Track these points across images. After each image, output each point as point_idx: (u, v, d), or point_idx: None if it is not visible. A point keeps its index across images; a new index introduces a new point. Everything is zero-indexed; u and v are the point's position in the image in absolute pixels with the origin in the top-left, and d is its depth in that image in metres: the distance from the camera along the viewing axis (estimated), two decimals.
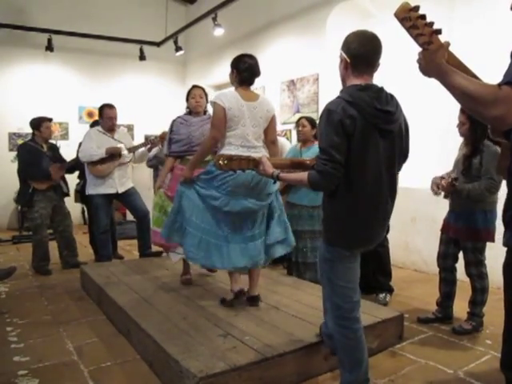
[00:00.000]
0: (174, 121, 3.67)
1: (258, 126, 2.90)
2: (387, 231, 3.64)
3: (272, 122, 3.00)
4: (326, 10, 5.62)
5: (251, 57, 2.95)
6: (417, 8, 1.33)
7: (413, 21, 1.33)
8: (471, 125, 2.88)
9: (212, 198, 2.85)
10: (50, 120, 4.78)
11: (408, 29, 1.35)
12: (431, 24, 1.33)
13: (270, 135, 3.02)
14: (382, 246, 3.59)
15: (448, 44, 1.37)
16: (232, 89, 2.94)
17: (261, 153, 2.83)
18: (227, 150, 2.78)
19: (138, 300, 3.16)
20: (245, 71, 2.88)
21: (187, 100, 3.67)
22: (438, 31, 1.34)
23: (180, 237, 2.97)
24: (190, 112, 3.66)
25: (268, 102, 3.03)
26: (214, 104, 2.82)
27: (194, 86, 3.72)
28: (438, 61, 1.33)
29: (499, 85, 1.19)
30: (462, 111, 2.92)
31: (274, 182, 2.19)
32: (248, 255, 2.86)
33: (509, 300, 1.28)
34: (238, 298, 2.99)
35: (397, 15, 1.36)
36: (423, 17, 1.33)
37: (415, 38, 1.36)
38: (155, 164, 5.22)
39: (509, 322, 1.28)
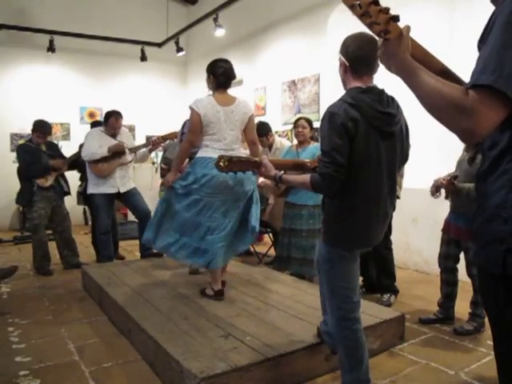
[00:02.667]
0: (185, 123, 3.91)
1: (236, 128, 3.08)
2: (390, 232, 3.64)
3: (250, 123, 3.16)
4: (327, 11, 5.63)
5: (226, 61, 3.13)
6: None
7: (363, 8, 1.12)
8: None
9: (193, 201, 3.04)
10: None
11: (360, 17, 1.15)
12: (387, 10, 1.13)
13: (248, 135, 3.18)
14: (385, 248, 3.58)
15: (408, 29, 1.16)
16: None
17: (238, 153, 3.00)
18: (204, 152, 3.01)
19: (139, 300, 3.16)
20: (221, 75, 3.06)
21: None
22: (396, 18, 1.13)
23: (162, 238, 3.19)
24: None
25: (245, 104, 3.20)
26: (190, 109, 3.02)
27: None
28: (399, 54, 1.13)
29: (467, 88, 0.99)
30: None
31: (277, 184, 2.19)
32: (226, 254, 3.13)
33: (490, 317, 1.16)
34: (217, 295, 3.13)
35: (346, 2, 1.16)
36: (376, 2, 1.13)
37: (369, 27, 1.16)
38: None
39: (495, 340, 1.17)
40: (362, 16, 1.14)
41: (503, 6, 0.98)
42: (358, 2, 1.12)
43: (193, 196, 3.04)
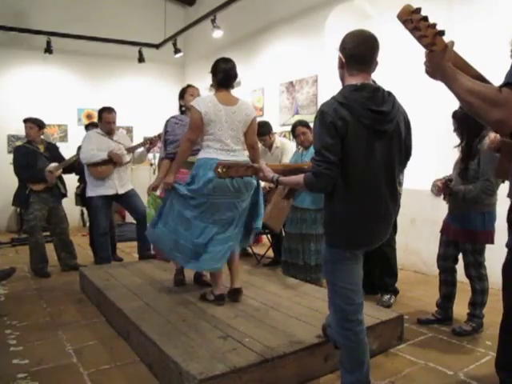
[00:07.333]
0: (167, 121, 3.71)
1: (237, 129, 2.99)
2: (395, 232, 3.65)
3: (251, 125, 3.08)
4: (325, 12, 5.64)
5: (227, 61, 3.05)
6: (419, 10, 1.33)
7: (415, 23, 1.33)
8: (458, 127, 2.92)
9: (194, 203, 2.95)
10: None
11: (411, 30, 1.36)
12: (434, 25, 1.33)
13: (248, 139, 3.09)
14: (389, 246, 3.58)
15: (452, 44, 1.36)
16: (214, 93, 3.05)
17: (240, 156, 2.99)
18: (207, 153, 2.93)
19: (137, 302, 3.16)
20: (219, 74, 3.00)
21: (183, 98, 3.70)
22: (441, 32, 1.34)
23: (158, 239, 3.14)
24: (183, 112, 3.72)
25: (248, 105, 3.14)
26: (191, 107, 2.96)
27: (191, 86, 3.81)
28: (443, 63, 1.34)
29: (500, 87, 1.18)
30: (453, 114, 2.94)
31: (276, 186, 2.21)
32: (224, 257, 3.02)
33: (507, 299, 1.27)
34: (217, 300, 3.10)
35: (399, 17, 1.36)
36: (426, 18, 1.33)
37: (418, 39, 1.36)
38: None
39: (505, 322, 1.28)
40: (413, 30, 1.34)
41: None
42: (410, 18, 1.33)
43: (199, 199, 2.93)
